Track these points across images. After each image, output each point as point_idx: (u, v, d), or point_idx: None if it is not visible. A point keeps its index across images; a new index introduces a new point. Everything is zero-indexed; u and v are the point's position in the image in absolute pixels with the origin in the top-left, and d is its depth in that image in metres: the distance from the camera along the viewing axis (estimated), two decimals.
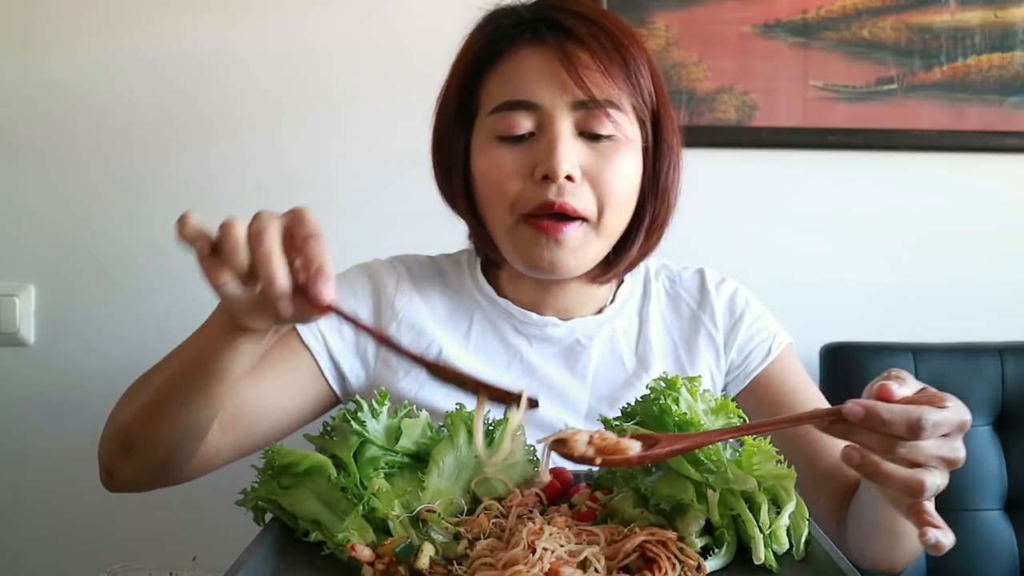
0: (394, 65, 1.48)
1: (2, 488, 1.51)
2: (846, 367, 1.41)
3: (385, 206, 1.47)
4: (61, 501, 1.50)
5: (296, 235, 0.62)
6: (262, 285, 0.61)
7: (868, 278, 1.53)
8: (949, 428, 0.61)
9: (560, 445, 0.63)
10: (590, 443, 0.63)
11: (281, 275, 0.60)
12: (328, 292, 0.60)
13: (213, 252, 0.62)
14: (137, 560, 1.00)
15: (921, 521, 0.61)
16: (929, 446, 0.61)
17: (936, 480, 0.61)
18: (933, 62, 1.50)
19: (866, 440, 0.62)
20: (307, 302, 0.61)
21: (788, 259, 1.52)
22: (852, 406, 0.61)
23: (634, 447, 0.64)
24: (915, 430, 0.59)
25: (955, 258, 1.54)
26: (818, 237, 1.53)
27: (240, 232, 0.61)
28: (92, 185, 1.49)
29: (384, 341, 0.66)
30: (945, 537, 0.60)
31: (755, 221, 1.53)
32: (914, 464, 0.61)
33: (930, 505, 0.62)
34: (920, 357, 1.40)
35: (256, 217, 0.62)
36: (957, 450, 0.62)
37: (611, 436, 0.64)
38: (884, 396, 0.62)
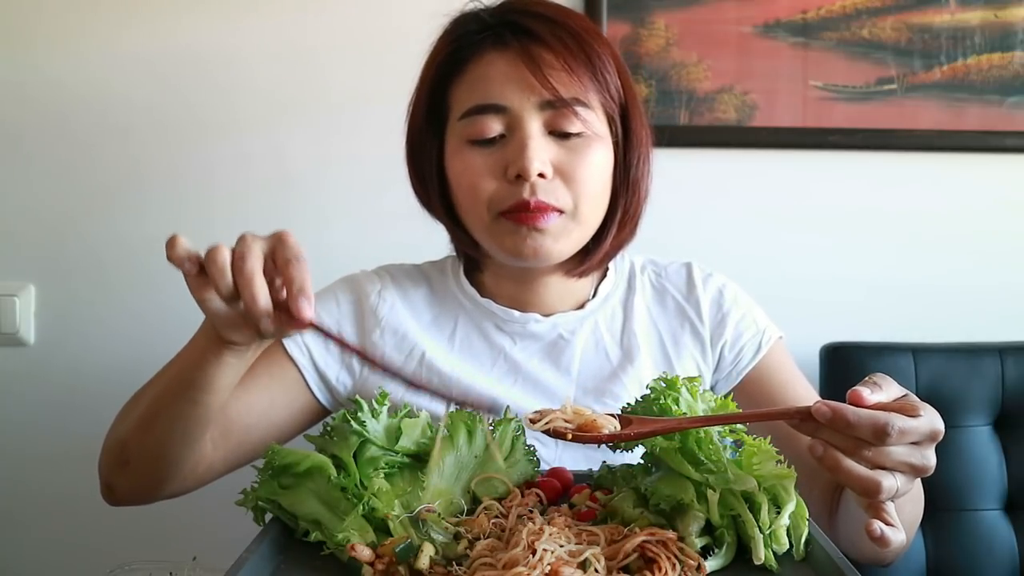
0: (394, 65, 1.45)
1: (3, 488, 1.51)
2: (846, 367, 1.41)
3: (385, 206, 1.46)
4: (61, 501, 1.50)
5: (279, 257, 0.66)
6: (245, 304, 0.65)
7: (868, 278, 1.53)
8: (918, 436, 0.62)
9: (537, 420, 0.67)
10: (567, 420, 0.67)
11: (261, 296, 0.65)
12: (307, 310, 0.64)
13: (201, 272, 0.67)
14: (137, 560, 1.00)
15: (876, 516, 0.63)
16: (896, 452, 0.62)
17: (896, 484, 0.62)
18: (933, 62, 1.50)
19: (833, 440, 0.63)
20: (289, 319, 0.65)
21: (788, 259, 1.52)
22: (820, 406, 0.63)
23: (610, 426, 0.67)
24: (881, 435, 0.61)
25: (955, 258, 1.53)
26: (818, 237, 1.53)
27: (224, 257, 0.66)
28: (92, 184, 1.49)
29: (363, 356, 0.70)
30: (894, 535, 0.62)
31: (755, 221, 1.53)
32: (879, 467, 0.62)
33: (891, 506, 0.63)
34: (920, 357, 1.39)
35: (240, 241, 0.67)
36: (926, 458, 0.63)
37: (588, 413, 0.67)
38: (855, 401, 0.63)
